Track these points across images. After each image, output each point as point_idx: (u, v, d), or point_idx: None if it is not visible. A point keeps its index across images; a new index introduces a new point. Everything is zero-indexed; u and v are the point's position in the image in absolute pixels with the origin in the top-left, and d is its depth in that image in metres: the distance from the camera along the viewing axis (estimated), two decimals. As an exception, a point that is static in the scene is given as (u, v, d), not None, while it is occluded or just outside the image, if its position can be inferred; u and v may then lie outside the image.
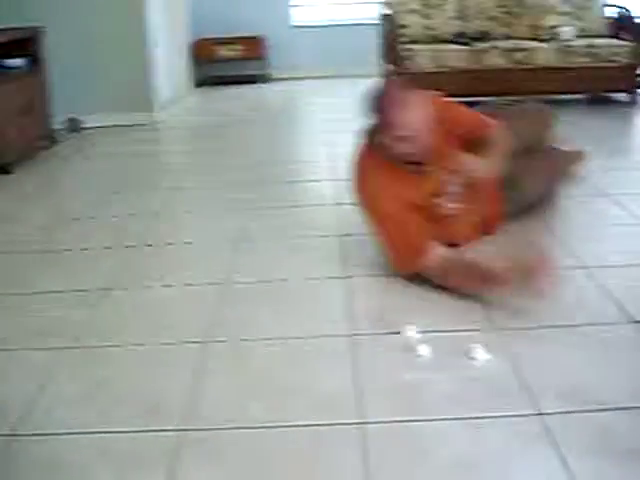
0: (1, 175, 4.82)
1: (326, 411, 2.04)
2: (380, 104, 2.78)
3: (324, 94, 7.70)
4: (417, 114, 2.74)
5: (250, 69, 8.70)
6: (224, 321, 2.62)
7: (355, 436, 1.92)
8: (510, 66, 6.22)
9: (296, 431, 1.96)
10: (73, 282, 3.03)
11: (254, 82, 8.62)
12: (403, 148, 2.77)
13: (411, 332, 2.40)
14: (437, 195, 2.86)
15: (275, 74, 8.78)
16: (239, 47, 8.51)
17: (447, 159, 2.85)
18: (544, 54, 6.21)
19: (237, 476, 1.80)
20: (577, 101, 6.47)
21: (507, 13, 6.65)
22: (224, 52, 8.52)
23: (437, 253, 2.73)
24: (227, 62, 8.60)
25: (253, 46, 8.54)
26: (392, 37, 6.38)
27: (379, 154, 2.87)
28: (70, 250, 3.41)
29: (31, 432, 2.02)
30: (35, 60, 5.50)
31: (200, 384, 2.21)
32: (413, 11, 6.64)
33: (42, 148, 5.56)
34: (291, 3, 8.75)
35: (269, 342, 2.45)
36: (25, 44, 5.40)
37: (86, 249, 3.41)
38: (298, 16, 8.80)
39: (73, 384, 2.25)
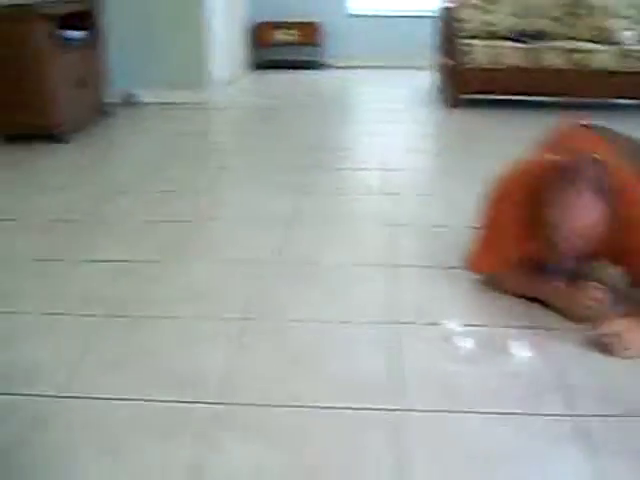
0: (56, 144, 4.89)
1: (362, 396, 2.04)
2: (555, 191, 2.32)
3: (378, 84, 7.68)
4: (590, 225, 2.27)
5: (306, 55, 8.71)
6: (266, 299, 2.63)
7: (390, 423, 1.92)
8: (568, 67, 6.13)
9: (330, 413, 1.96)
10: (118, 253, 3.06)
11: (309, 68, 8.62)
12: (556, 240, 2.34)
13: (453, 324, 2.39)
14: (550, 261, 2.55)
15: (330, 61, 8.77)
16: (296, 32, 8.52)
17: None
18: (604, 57, 6.11)
19: (267, 453, 1.81)
20: (635, 107, 6.36)
21: (568, 14, 6.55)
22: (281, 36, 8.54)
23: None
24: (284, 46, 8.62)
25: (309, 32, 8.55)
26: (450, 31, 6.34)
27: (533, 199, 2.44)
28: (117, 222, 3.45)
29: (69, 395, 2.05)
30: (94, 33, 5.57)
31: (237, 359, 2.23)
32: (473, 6, 6.58)
33: (97, 120, 5.63)
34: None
35: (310, 324, 2.45)
36: (84, 17, 5.47)
37: (133, 222, 3.44)
38: (355, 4, 8.76)
39: (113, 351, 2.28)
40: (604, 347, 2.27)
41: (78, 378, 2.13)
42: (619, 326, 2.28)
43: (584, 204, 2.27)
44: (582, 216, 2.27)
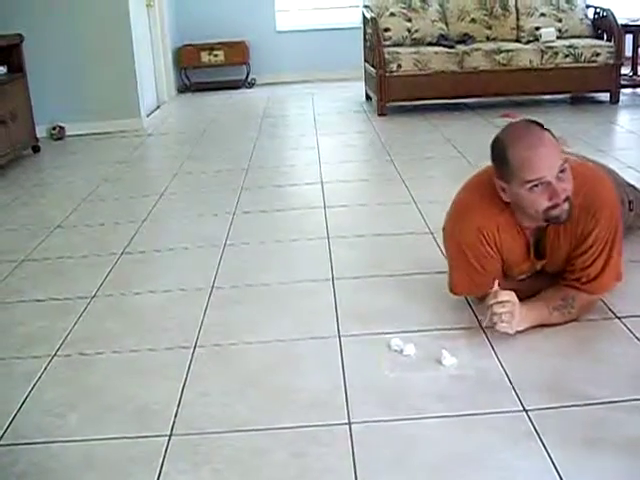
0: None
1: (313, 412, 2.03)
2: (506, 143, 2.22)
3: (308, 98, 7.70)
4: (556, 157, 2.17)
5: (234, 75, 8.70)
6: (211, 325, 2.61)
7: (342, 437, 1.92)
8: (493, 68, 6.27)
9: (283, 433, 1.95)
10: (57, 290, 3.01)
11: (237, 87, 8.62)
12: (537, 200, 2.20)
13: (396, 332, 2.40)
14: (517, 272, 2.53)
15: (259, 79, 8.79)
16: (222, 52, 8.51)
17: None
18: (526, 55, 6.27)
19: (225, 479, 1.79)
20: (560, 101, 6.52)
21: (489, 15, 6.68)
22: (208, 58, 8.51)
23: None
24: (211, 68, 8.60)
25: (235, 52, 8.55)
26: (376, 40, 6.40)
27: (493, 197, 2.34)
28: (52, 259, 3.39)
29: (18, 442, 2.00)
30: (16, 68, 5.48)
31: (188, 389, 2.20)
32: (395, 14, 6.65)
33: (26, 157, 5.54)
34: (277, 8, 8.80)
35: (256, 345, 2.44)
36: (5, 52, 5.39)
37: (69, 257, 3.38)
38: (282, 21, 8.82)
39: (59, 392, 2.23)
40: (490, 318, 2.26)
41: (24, 423, 2.08)
42: (507, 298, 2.24)
43: (548, 142, 2.17)
44: (551, 154, 2.16)
